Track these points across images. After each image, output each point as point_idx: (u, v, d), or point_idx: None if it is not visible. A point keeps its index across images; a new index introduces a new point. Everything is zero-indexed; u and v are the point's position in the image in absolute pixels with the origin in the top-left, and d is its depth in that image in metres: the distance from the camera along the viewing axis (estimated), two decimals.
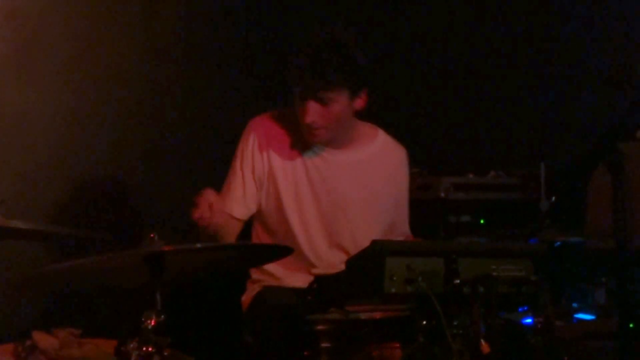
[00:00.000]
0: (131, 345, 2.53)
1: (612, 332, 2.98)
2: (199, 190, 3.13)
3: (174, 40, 4.25)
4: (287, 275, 3.40)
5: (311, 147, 3.44)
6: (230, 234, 3.38)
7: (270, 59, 4.35)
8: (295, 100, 3.35)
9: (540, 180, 4.01)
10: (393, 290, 2.80)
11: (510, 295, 2.94)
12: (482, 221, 4.18)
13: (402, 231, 3.60)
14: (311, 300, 3.04)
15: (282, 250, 2.99)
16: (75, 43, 3.99)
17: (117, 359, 2.57)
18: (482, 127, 4.78)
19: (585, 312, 3.59)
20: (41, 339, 2.97)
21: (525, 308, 3.20)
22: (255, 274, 3.47)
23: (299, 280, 3.34)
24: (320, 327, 2.89)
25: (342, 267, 3.20)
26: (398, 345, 2.93)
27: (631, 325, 2.91)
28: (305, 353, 2.95)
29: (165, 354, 2.53)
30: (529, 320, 3.15)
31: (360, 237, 3.43)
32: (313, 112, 3.30)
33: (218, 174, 3.49)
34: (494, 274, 2.86)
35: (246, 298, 3.47)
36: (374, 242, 2.93)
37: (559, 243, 3.86)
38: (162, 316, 2.54)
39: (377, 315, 2.97)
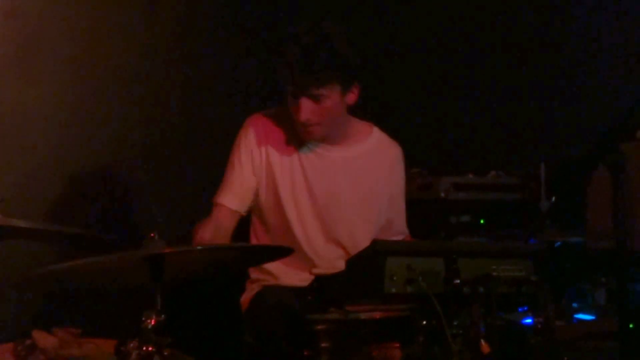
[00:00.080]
0: (131, 345, 2.53)
1: (612, 332, 2.97)
2: (199, 188, 3.13)
3: (174, 40, 4.25)
4: (286, 273, 3.40)
5: (306, 144, 3.45)
6: (228, 228, 3.39)
7: (270, 59, 4.35)
8: (288, 98, 3.36)
9: (541, 180, 4.01)
10: (393, 290, 2.81)
11: (510, 295, 2.94)
12: (482, 221, 4.18)
13: (400, 229, 3.61)
14: (311, 300, 3.04)
15: (282, 251, 2.99)
16: (75, 42, 3.99)
17: (117, 358, 2.57)
18: (482, 127, 4.78)
19: (585, 312, 3.58)
20: (41, 338, 2.97)
21: (525, 308, 3.20)
22: (254, 273, 3.48)
23: (298, 278, 3.35)
24: (320, 327, 2.89)
25: (340, 262, 3.21)
26: (398, 345, 2.93)
27: (631, 326, 2.90)
28: (305, 353, 2.95)
29: (165, 353, 2.53)
30: (529, 320, 3.15)
31: (357, 234, 3.45)
32: (306, 109, 3.31)
33: (218, 173, 3.49)
34: (494, 274, 2.86)
35: (246, 298, 3.48)
36: (375, 242, 2.94)
37: (559, 243, 3.86)
38: (162, 316, 2.54)
39: (377, 315, 2.97)
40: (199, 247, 2.70)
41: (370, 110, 3.64)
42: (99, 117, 4.04)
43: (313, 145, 3.46)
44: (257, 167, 3.43)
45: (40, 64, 3.92)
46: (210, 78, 4.33)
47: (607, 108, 4.51)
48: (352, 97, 3.40)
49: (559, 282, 3.66)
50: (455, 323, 2.79)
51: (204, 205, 3.45)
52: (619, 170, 2.86)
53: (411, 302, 2.88)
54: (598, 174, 3.46)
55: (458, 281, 2.81)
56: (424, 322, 2.83)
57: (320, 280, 3.08)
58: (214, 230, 3.35)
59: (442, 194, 4.11)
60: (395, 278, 2.80)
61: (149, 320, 2.53)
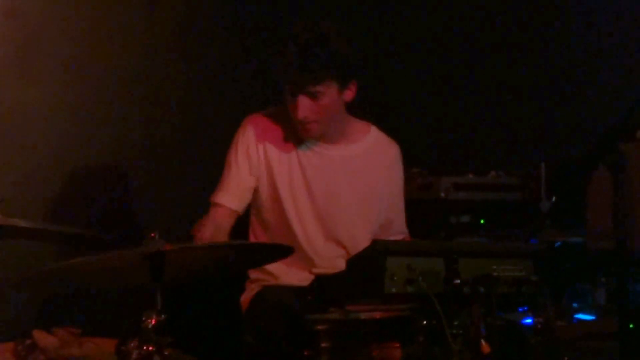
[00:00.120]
0: (132, 345, 2.53)
1: (612, 333, 2.97)
2: (199, 188, 3.12)
3: (174, 40, 4.25)
4: (285, 273, 3.40)
5: (304, 142, 3.46)
6: (225, 227, 3.39)
7: (269, 59, 4.34)
8: (286, 96, 3.37)
9: (541, 180, 4.01)
10: (393, 290, 2.81)
11: (511, 295, 2.94)
12: (482, 221, 4.18)
13: (399, 228, 3.61)
14: (311, 300, 3.04)
15: (282, 250, 2.98)
16: (75, 42, 3.99)
17: (117, 358, 2.58)
18: (482, 127, 4.78)
19: (585, 312, 3.59)
20: (41, 337, 2.97)
21: (525, 308, 3.20)
22: (254, 273, 3.48)
23: (298, 278, 3.35)
24: (320, 327, 2.89)
25: (340, 261, 3.22)
26: (398, 345, 2.93)
27: (631, 326, 2.90)
28: (306, 353, 2.95)
29: (166, 353, 2.53)
30: (529, 320, 3.15)
31: (357, 233, 3.45)
32: (304, 107, 3.32)
33: (218, 173, 3.49)
34: (495, 274, 2.86)
35: (246, 298, 3.47)
36: (375, 242, 2.94)
37: (559, 243, 3.86)
38: (163, 315, 2.54)
39: (378, 315, 2.97)
40: (199, 244, 2.70)
41: (370, 110, 3.64)
42: (99, 117, 4.04)
43: (311, 144, 3.47)
44: (254, 166, 3.43)
45: (40, 64, 3.92)
46: (210, 78, 4.33)
47: (607, 108, 4.51)
48: (349, 95, 3.41)
49: (559, 282, 3.66)
50: (455, 323, 2.79)
51: (204, 205, 3.45)
52: (619, 170, 2.87)
53: (411, 302, 2.88)
54: (598, 174, 3.45)
55: (458, 281, 2.81)
56: (424, 322, 2.83)
57: (321, 280, 3.08)
58: (214, 229, 3.35)
59: (442, 194, 4.11)
60: (395, 278, 2.80)
61: (149, 320, 2.53)
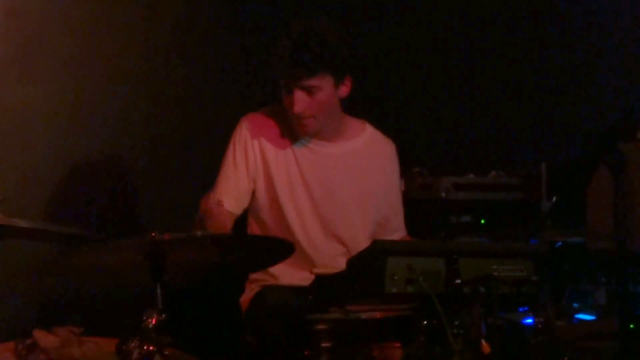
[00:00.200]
0: (132, 344, 2.53)
1: (612, 333, 2.98)
2: (199, 188, 3.12)
3: (174, 40, 4.24)
4: (285, 273, 3.39)
5: (300, 139, 3.46)
6: (224, 228, 3.38)
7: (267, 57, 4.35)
8: (282, 93, 3.37)
9: (541, 180, 4.01)
10: (394, 290, 2.81)
11: (511, 295, 2.94)
12: (482, 221, 4.18)
13: (397, 226, 3.60)
14: (311, 299, 3.04)
15: (283, 250, 2.97)
16: (75, 42, 3.99)
17: (118, 357, 2.57)
18: (483, 127, 4.78)
19: (586, 312, 3.59)
20: (42, 337, 2.97)
21: (526, 308, 3.20)
22: (254, 273, 3.47)
23: (298, 278, 3.34)
24: (320, 327, 2.89)
25: (340, 260, 3.21)
26: (399, 345, 2.93)
27: (631, 326, 2.91)
28: (306, 353, 2.95)
29: (166, 353, 2.53)
30: (529, 320, 3.16)
31: (356, 231, 3.45)
32: (300, 101, 3.33)
33: (218, 172, 3.49)
34: (495, 274, 2.86)
35: (245, 298, 3.47)
36: (375, 242, 2.94)
37: (559, 243, 3.86)
38: (163, 315, 2.54)
39: (378, 315, 2.97)
40: (199, 234, 2.70)
41: (370, 110, 3.64)
42: (99, 116, 4.04)
43: (306, 141, 3.47)
44: (251, 165, 3.43)
45: (40, 63, 3.92)
46: (210, 78, 4.33)
47: (607, 108, 4.51)
48: (344, 90, 3.41)
49: (559, 282, 3.67)
50: (456, 323, 2.80)
51: None
52: (619, 170, 2.87)
53: (412, 302, 2.88)
54: (598, 174, 3.46)
55: (459, 281, 2.81)
56: (425, 322, 2.83)
57: (321, 280, 3.08)
58: (215, 224, 3.32)
59: (443, 194, 4.11)
60: (396, 278, 2.80)
61: (150, 320, 2.53)
